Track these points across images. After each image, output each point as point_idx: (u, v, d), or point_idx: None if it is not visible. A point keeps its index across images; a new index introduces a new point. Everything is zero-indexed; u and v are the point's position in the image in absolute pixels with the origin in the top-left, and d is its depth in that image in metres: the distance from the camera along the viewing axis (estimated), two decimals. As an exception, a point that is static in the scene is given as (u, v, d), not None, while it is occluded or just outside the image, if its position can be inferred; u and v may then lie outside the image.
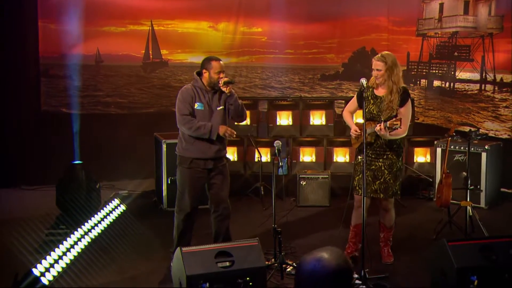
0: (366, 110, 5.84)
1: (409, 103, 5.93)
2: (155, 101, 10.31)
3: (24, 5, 9.39)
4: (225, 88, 5.75)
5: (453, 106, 9.67)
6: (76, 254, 5.80)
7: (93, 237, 6.24)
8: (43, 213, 7.31)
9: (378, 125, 5.66)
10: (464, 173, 7.21)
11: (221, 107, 5.87)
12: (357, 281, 5.38)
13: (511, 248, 5.05)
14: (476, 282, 4.87)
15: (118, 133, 9.55)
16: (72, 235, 5.98)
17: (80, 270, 5.61)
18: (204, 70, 5.82)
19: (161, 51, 10.43)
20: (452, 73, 9.72)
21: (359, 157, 5.87)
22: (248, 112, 8.82)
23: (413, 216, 7.83)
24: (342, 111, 6.40)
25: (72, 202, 6.85)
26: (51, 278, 5.17)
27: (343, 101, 8.89)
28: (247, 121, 9.01)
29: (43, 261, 5.23)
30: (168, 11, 10.38)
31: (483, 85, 9.13)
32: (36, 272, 5.06)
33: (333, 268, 2.54)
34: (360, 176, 5.88)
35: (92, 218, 6.54)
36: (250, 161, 8.98)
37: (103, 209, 6.94)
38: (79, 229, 6.16)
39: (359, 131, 5.87)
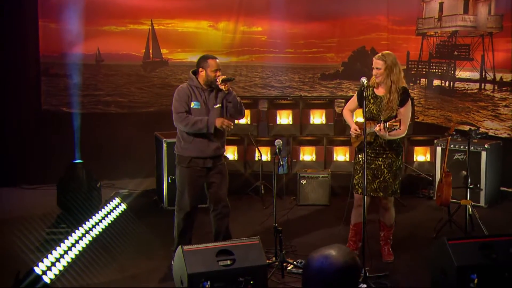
0: (366, 110, 5.86)
1: (409, 103, 5.94)
2: (155, 100, 10.33)
3: (25, 4, 9.41)
4: (223, 86, 5.75)
5: (452, 105, 9.68)
6: (77, 253, 5.80)
7: (94, 236, 6.24)
8: (43, 212, 7.32)
9: (377, 125, 5.67)
10: (464, 172, 7.22)
11: (218, 105, 5.86)
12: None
13: (511, 247, 5.07)
14: (476, 281, 4.88)
15: (118, 132, 9.57)
16: (73, 234, 5.99)
17: (81, 268, 5.61)
18: (200, 69, 5.81)
19: (161, 50, 10.45)
20: (452, 72, 9.73)
21: (360, 156, 5.90)
22: (248, 111, 8.95)
23: (413, 215, 7.85)
24: (342, 109, 6.42)
25: (73, 201, 6.85)
26: (52, 276, 5.17)
27: (343, 100, 8.91)
28: (247, 120, 9.04)
29: (44, 259, 5.23)
30: (168, 11, 10.40)
31: (482, 84, 9.14)
32: (37, 270, 5.06)
33: (341, 265, 2.54)
34: (360, 175, 5.91)
35: (93, 217, 6.54)
36: (250, 160, 8.99)
37: (103, 208, 6.94)
38: (80, 228, 6.17)
39: (359, 130, 5.88)
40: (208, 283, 4.97)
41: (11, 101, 9.33)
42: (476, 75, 9.25)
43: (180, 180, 5.93)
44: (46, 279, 5.09)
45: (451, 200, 6.98)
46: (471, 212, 6.88)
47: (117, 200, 7.21)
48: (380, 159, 5.93)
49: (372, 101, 5.92)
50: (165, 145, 7.89)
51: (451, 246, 5.06)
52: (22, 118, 9.46)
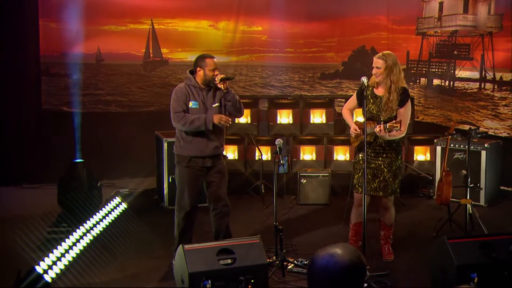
0: (366, 109, 5.87)
1: (408, 103, 5.95)
2: (155, 99, 10.34)
3: (25, 4, 9.42)
4: (221, 85, 5.75)
5: (452, 105, 9.69)
6: (78, 252, 5.80)
7: (95, 235, 6.25)
8: (44, 211, 7.30)
9: (378, 126, 5.68)
10: (464, 171, 7.23)
11: (216, 104, 5.86)
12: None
13: (510, 245, 5.08)
14: (476, 279, 4.89)
15: (118, 131, 9.59)
16: (73, 233, 5.99)
17: (82, 267, 5.62)
18: (198, 68, 5.80)
19: (161, 49, 10.46)
20: (452, 71, 9.74)
21: (360, 155, 5.90)
22: (248, 111, 8.96)
23: (413, 214, 7.86)
24: (342, 108, 6.44)
25: (74, 200, 6.85)
26: (53, 275, 5.17)
27: (343, 100, 8.91)
28: (248, 120, 9.05)
29: (45, 258, 5.23)
30: (169, 10, 10.41)
31: (482, 84, 9.15)
32: (39, 269, 5.06)
33: (346, 264, 2.54)
34: (360, 174, 5.92)
35: (94, 216, 6.54)
36: (250, 159, 9.00)
37: (104, 208, 6.94)
38: (80, 227, 6.17)
39: (358, 130, 5.89)
40: (209, 282, 4.98)
41: (12, 101, 9.34)
42: (476, 74, 9.26)
43: (179, 180, 5.93)
44: (47, 278, 5.09)
45: (451, 199, 6.99)
46: (471, 211, 6.89)
47: (117, 200, 7.21)
48: (380, 158, 5.94)
49: (371, 101, 5.93)
50: (165, 145, 7.90)
51: (451, 245, 5.08)
52: (23, 118, 9.47)
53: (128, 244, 6.42)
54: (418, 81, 10.53)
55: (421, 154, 8.96)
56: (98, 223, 6.51)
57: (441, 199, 7.00)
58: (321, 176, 8.36)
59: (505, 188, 8.56)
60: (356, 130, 5.92)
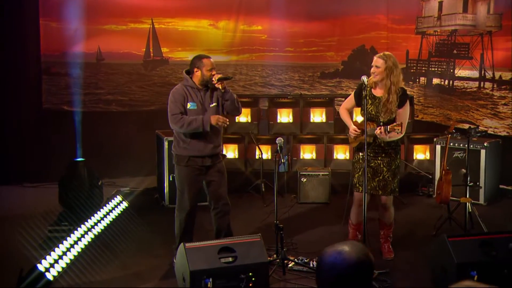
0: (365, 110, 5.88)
1: (407, 104, 5.97)
2: (155, 98, 10.35)
3: (25, 3, 9.43)
4: (219, 85, 5.74)
5: (452, 104, 9.71)
6: (79, 250, 5.82)
7: (96, 233, 6.27)
8: (45, 210, 7.33)
9: (378, 128, 5.70)
10: (464, 170, 7.25)
11: (214, 104, 5.86)
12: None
13: (510, 243, 5.10)
14: (476, 278, 4.92)
15: (119, 130, 9.61)
16: (75, 232, 6.01)
17: (83, 266, 5.63)
18: (195, 69, 5.79)
19: (161, 49, 10.47)
20: (451, 70, 9.76)
21: (361, 154, 5.90)
22: (248, 110, 8.99)
23: (413, 213, 7.89)
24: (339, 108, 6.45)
25: (75, 199, 6.87)
26: (55, 273, 5.20)
27: (343, 99, 8.89)
28: (248, 119, 9.07)
29: (47, 257, 5.25)
30: (169, 9, 10.42)
31: (482, 83, 9.17)
32: (40, 267, 5.09)
33: (354, 261, 2.55)
34: (360, 173, 5.93)
35: (95, 215, 6.56)
36: (251, 158, 9.03)
37: (105, 206, 6.96)
38: (82, 226, 6.19)
39: (358, 131, 5.90)
40: (210, 280, 5.01)
41: (12, 100, 9.35)
42: (475, 73, 9.28)
43: (179, 179, 5.94)
44: (49, 276, 5.11)
45: (450, 198, 7.01)
46: (470, 210, 6.91)
47: (118, 198, 7.23)
48: (379, 158, 5.96)
49: (370, 101, 5.93)
50: (166, 144, 7.91)
51: (451, 243, 5.11)
52: (23, 117, 9.49)
53: (129, 243, 6.43)
54: (417, 80, 10.55)
55: (420, 153, 8.99)
56: (99, 221, 6.53)
57: (440, 197, 7.02)
58: (321, 175, 8.38)
59: (505, 187, 8.58)
60: (355, 131, 5.93)
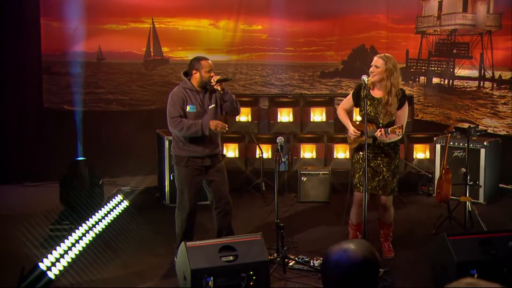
0: (363, 111, 5.89)
1: (406, 105, 5.98)
2: (156, 98, 10.37)
3: (26, 3, 9.44)
4: (217, 86, 5.76)
5: (452, 103, 9.73)
6: (80, 249, 5.84)
7: (97, 232, 6.28)
8: (47, 209, 7.36)
9: (378, 130, 5.70)
10: (463, 169, 7.26)
11: (212, 106, 5.87)
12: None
13: (509, 241, 5.13)
14: (476, 276, 4.94)
15: (119, 129, 9.63)
16: (76, 231, 6.03)
17: (85, 265, 5.65)
18: (194, 71, 5.79)
19: (162, 48, 10.49)
20: (451, 70, 9.78)
21: (361, 153, 5.90)
22: (249, 109, 9.01)
23: (413, 212, 7.91)
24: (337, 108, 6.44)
25: (76, 198, 6.88)
26: (57, 272, 5.21)
27: (343, 98, 8.90)
28: (248, 118, 9.09)
29: (49, 255, 5.27)
30: (169, 9, 10.44)
31: (481, 82, 9.19)
32: (42, 266, 5.10)
33: (359, 259, 2.55)
34: (361, 173, 5.93)
35: (96, 214, 6.58)
36: (251, 157, 9.04)
37: (106, 205, 6.98)
38: (83, 225, 6.21)
39: (358, 132, 5.91)
40: (211, 278, 5.02)
41: (13, 100, 9.37)
42: (475, 73, 9.30)
43: (179, 180, 5.94)
44: (51, 275, 5.13)
45: (450, 197, 7.03)
46: (470, 209, 6.93)
47: (119, 197, 7.25)
48: (379, 158, 5.97)
49: (368, 103, 5.91)
50: (166, 143, 7.93)
51: (451, 242, 5.12)
52: (24, 116, 9.51)
53: (130, 242, 6.45)
54: (417, 79, 10.57)
55: (420, 152, 9.01)
56: (100, 220, 6.55)
57: (440, 196, 7.04)
58: (321, 174, 8.40)
59: (504, 186, 8.61)
60: (355, 132, 5.93)
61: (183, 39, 10.55)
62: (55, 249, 5.42)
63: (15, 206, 8.10)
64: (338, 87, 11.13)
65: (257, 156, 8.83)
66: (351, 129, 5.98)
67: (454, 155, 8.20)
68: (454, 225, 6.96)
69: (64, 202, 7.15)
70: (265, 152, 8.73)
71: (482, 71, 9.14)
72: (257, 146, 8.56)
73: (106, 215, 6.73)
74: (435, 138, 8.58)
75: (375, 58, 5.91)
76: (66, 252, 5.54)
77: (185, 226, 5.91)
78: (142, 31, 10.32)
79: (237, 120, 9.00)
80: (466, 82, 9.50)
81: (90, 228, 6.23)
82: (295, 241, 6.61)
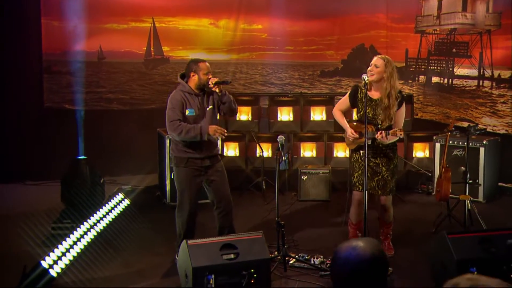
0: (361, 113, 5.88)
1: (403, 106, 5.98)
2: (156, 97, 10.39)
3: (27, 2, 9.46)
4: (216, 88, 5.77)
5: (451, 102, 9.76)
6: (82, 247, 5.86)
7: (98, 231, 6.31)
8: (48, 207, 7.38)
9: (379, 133, 5.71)
10: (463, 168, 7.29)
11: (210, 107, 5.89)
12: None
13: (509, 239, 5.15)
14: (475, 274, 4.96)
15: (120, 128, 9.66)
16: (77, 229, 6.05)
17: (86, 263, 5.68)
18: (192, 73, 5.81)
19: (162, 48, 10.51)
20: (451, 69, 9.80)
21: (361, 152, 5.89)
22: (249, 108, 9.04)
23: (413, 210, 7.93)
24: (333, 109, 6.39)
25: (77, 197, 6.91)
26: (59, 270, 5.24)
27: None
28: (249, 117, 9.11)
29: (51, 254, 5.30)
30: (169, 8, 10.46)
31: (481, 81, 9.22)
32: (44, 264, 5.13)
33: (368, 257, 2.56)
34: (360, 172, 5.95)
35: (97, 213, 6.60)
36: (251, 156, 9.06)
37: (107, 204, 7.00)
38: (84, 223, 6.23)
39: (356, 134, 5.92)
40: (212, 276, 5.04)
41: (14, 99, 9.40)
42: (474, 72, 9.33)
43: (179, 180, 5.95)
44: (53, 272, 5.16)
45: (450, 195, 7.06)
46: (470, 207, 6.95)
47: (120, 196, 7.27)
48: (378, 158, 5.97)
49: (366, 104, 5.92)
50: (167, 141, 7.92)
51: (451, 240, 5.14)
52: (25, 116, 9.54)
53: (131, 240, 6.47)
54: (417, 78, 10.60)
55: (420, 151, 9.03)
56: (101, 219, 6.57)
57: (440, 195, 7.06)
58: (321, 172, 8.43)
59: (503, 185, 8.64)
60: (353, 134, 5.93)
61: (184, 39, 10.57)
62: (57, 248, 5.45)
63: (16, 205, 8.12)
64: (338, 86, 11.15)
65: (258, 155, 8.85)
66: (349, 131, 5.96)
67: (453, 153, 8.23)
68: (453, 223, 6.99)
69: (65, 200, 7.18)
70: (265, 151, 8.75)
71: (482, 70, 9.17)
72: (258, 145, 8.57)
73: (107, 213, 6.75)
74: (434, 137, 8.60)
75: (375, 58, 5.92)
76: (67, 250, 5.57)
77: (186, 227, 5.92)
78: (143, 30, 10.34)
79: (237, 119, 9.03)
80: (466, 81, 9.52)
81: (92, 227, 6.25)
82: (296, 240, 6.63)
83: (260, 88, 11.00)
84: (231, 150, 9.07)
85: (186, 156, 5.84)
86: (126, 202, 7.19)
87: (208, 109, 5.87)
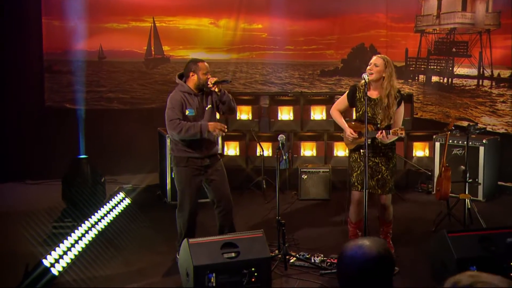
0: (360, 112, 5.90)
1: (402, 105, 5.99)
2: (156, 96, 10.40)
3: (27, 2, 9.47)
4: (215, 88, 5.79)
5: (451, 101, 9.78)
6: (83, 246, 5.88)
7: (99, 230, 6.33)
8: (49, 206, 7.40)
9: (379, 132, 5.73)
10: (463, 167, 7.30)
11: (209, 106, 5.91)
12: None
13: (508, 238, 5.17)
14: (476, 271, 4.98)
15: (120, 128, 9.67)
16: (79, 228, 6.07)
17: (87, 262, 5.69)
18: (191, 73, 5.82)
19: (163, 47, 10.52)
20: (450, 68, 9.82)
21: (361, 151, 5.87)
22: (249, 107, 9.06)
23: (413, 209, 7.95)
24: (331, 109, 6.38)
25: (78, 196, 6.92)
26: (60, 269, 5.26)
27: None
28: (249, 116, 9.13)
29: (52, 252, 5.32)
30: (170, 8, 10.47)
31: (480, 81, 9.23)
32: (46, 263, 5.15)
33: (374, 256, 2.56)
34: (359, 172, 5.96)
35: (98, 212, 6.62)
36: (252, 155, 9.08)
37: (108, 203, 7.02)
38: (85, 222, 6.25)
39: (354, 134, 5.93)
40: (213, 275, 5.06)
41: (15, 98, 9.42)
42: (474, 71, 9.34)
43: (178, 180, 5.96)
44: (54, 271, 5.18)
45: (450, 194, 7.08)
46: (469, 206, 6.97)
47: (121, 195, 7.30)
48: (377, 157, 5.98)
49: (365, 103, 5.93)
50: (168, 141, 7.92)
51: (451, 238, 5.16)
52: (26, 115, 9.55)
53: (132, 239, 6.49)
54: (416, 78, 10.61)
55: (420, 150, 9.04)
56: (102, 218, 6.59)
57: (440, 194, 7.08)
58: (321, 171, 8.45)
59: (503, 183, 8.65)
60: (352, 134, 5.93)
61: (184, 38, 10.59)
62: (58, 246, 5.47)
63: (17, 204, 8.13)
64: (338, 86, 11.16)
65: (258, 154, 8.86)
66: (348, 131, 5.96)
67: (453, 153, 8.25)
68: (453, 222, 7.00)
69: (66, 199, 7.19)
70: (265, 150, 8.77)
71: (481, 70, 9.18)
72: (258, 144, 8.60)
73: (108, 212, 6.78)
74: (434, 136, 8.62)
75: (374, 57, 5.91)
76: (69, 249, 5.60)
77: (187, 226, 5.93)
78: (143, 30, 10.35)
79: (237, 118, 9.05)
80: (465, 81, 9.54)
81: (93, 226, 6.27)
82: (296, 238, 6.66)
83: (260, 87, 11.02)
84: (232, 149, 9.09)
85: (186, 156, 5.85)
86: (127, 201, 7.22)
87: (207, 108, 5.89)
